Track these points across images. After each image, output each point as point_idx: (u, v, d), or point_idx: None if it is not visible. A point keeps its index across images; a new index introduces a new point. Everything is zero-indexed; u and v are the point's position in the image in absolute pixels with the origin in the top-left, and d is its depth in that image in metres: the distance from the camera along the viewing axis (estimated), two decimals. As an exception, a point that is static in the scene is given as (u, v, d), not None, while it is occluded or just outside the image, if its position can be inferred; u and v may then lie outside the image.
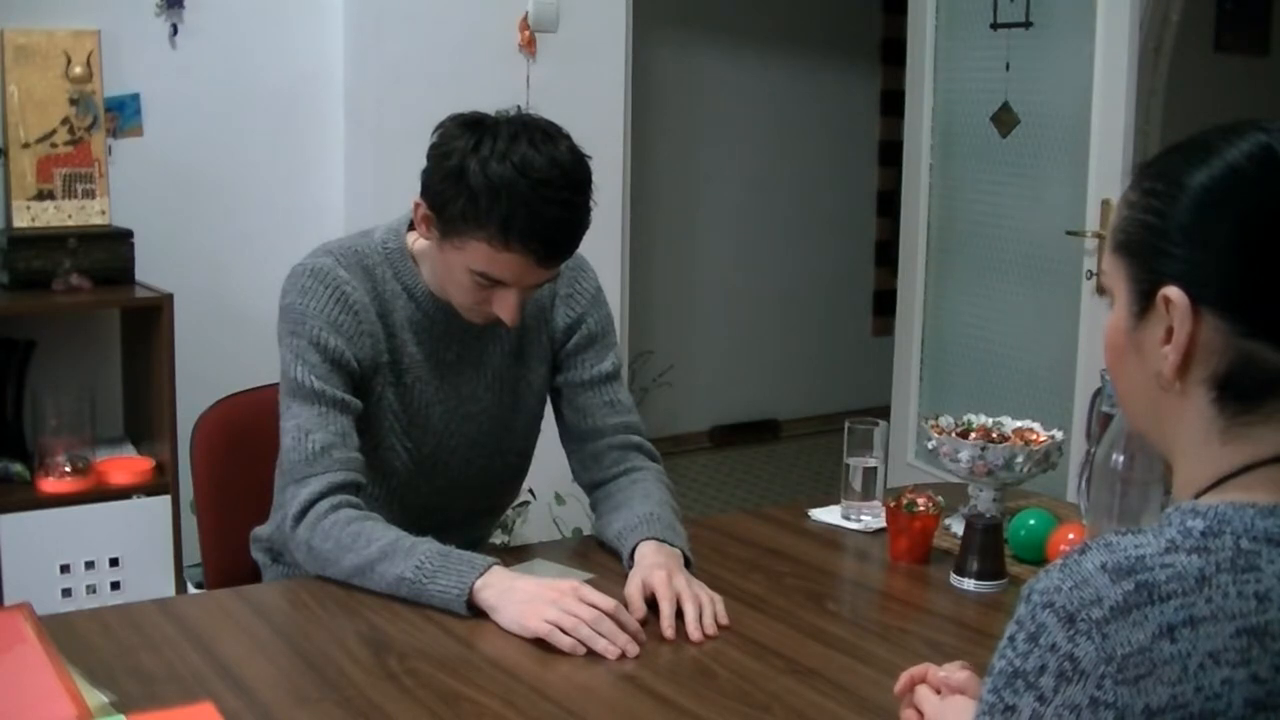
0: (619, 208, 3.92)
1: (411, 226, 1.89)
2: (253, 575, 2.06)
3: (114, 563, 3.06)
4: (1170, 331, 0.99)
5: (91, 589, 3.05)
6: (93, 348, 3.36)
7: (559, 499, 3.46)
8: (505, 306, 1.79)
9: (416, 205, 1.80)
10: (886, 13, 5.93)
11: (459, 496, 2.00)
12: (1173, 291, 0.98)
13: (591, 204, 1.77)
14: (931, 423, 2.05)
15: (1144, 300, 1.01)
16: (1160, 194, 1.00)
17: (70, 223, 3.20)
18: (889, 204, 5.76)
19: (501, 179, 1.69)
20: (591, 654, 1.58)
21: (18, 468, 3.09)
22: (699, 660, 1.59)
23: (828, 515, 2.12)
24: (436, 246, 1.81)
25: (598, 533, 1.97)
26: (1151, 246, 1.00)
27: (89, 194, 3.23)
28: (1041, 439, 2.01)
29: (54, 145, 3.20)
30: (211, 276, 3.49)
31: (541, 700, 1.47)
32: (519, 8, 3.70)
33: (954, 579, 1.84)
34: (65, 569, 3.02)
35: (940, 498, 1.95)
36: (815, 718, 1.44)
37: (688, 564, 1.81)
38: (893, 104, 5.56)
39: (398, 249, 1.90)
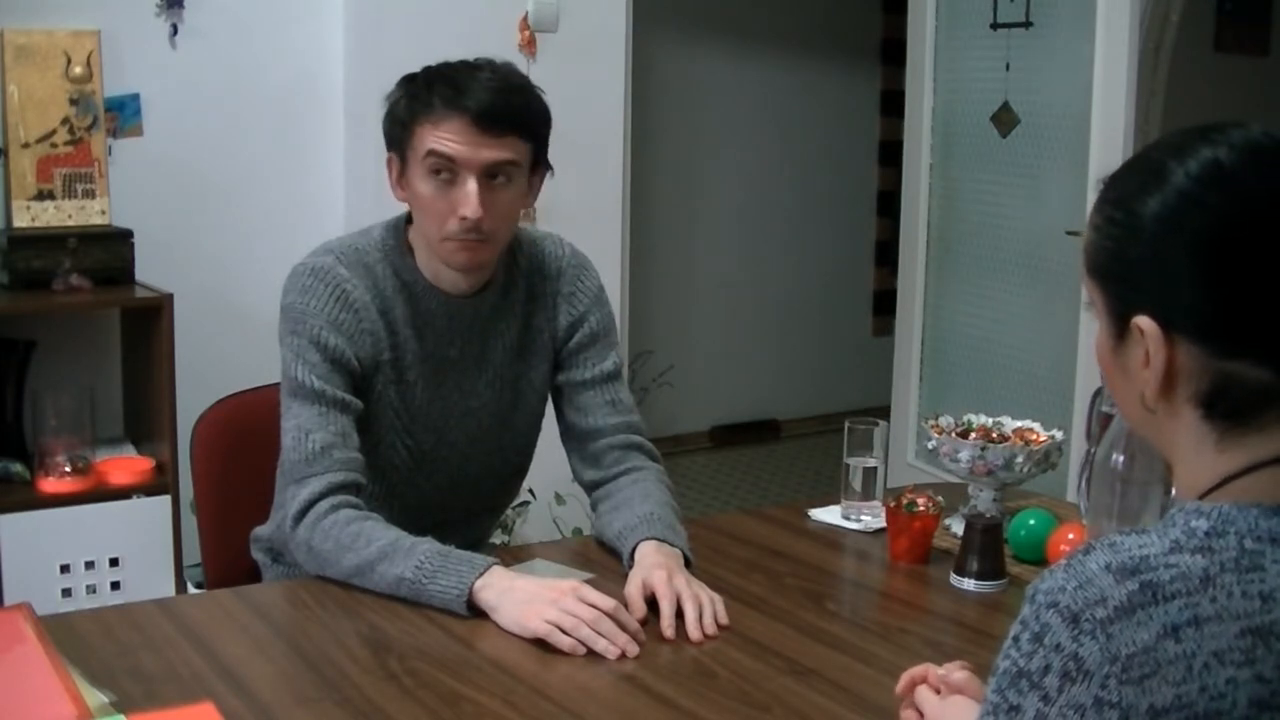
0: (619, 208, 3.92)
1: (409, 220, 1.89)
2: (253, 575, 2.06)
3: (114, 563, 3.06)
4: (1149, 355, 0.99)
5: (91, 589, 3.05)
6: (93, 348, 3.36)
7: (559, 499, 3.45)
8: (464, 197, 1.80)
9: (389, 162, 1.86)
10: (886, 13, 5.92)
11: (459, 495, 2.00)
12: (1144, 321, 0.98)
13: (533, 86, 1.86)
14: (931, 423, 2.05)
15: (1120, 324, 1.01)
16: (1119, 223, 1.00)
17: (70, 223, 3.20)
18: (889, 204, 5.75)
19: (423, 74, 1.84)
20: (591, 654, 1.57)
21: (18, 468, 3.09)
22: (699, 660, 1.59)
23: (828, 515, 2.11)
24: (410, 189, 1.84)
25: (598, 532, 1.97)
26: (1117, 276, 1.01)
27: (89, 194, 3.23)
28: (1041, 439, 2.01)
29: (54, 145, 3.20)
30: (211, 276, 3.49)
31: (541, 700, 1.47)
32: (519, 8, 3.70)
33: (954, 579, 1.83)
34: (65, 569, 3.02)
35: (940, 498, 1.95)
36: (815, 718, 1.44)
37: (688, 564, 1.81)
38: (893, 104, 5.56)
39: (397, 246, 1.90)
